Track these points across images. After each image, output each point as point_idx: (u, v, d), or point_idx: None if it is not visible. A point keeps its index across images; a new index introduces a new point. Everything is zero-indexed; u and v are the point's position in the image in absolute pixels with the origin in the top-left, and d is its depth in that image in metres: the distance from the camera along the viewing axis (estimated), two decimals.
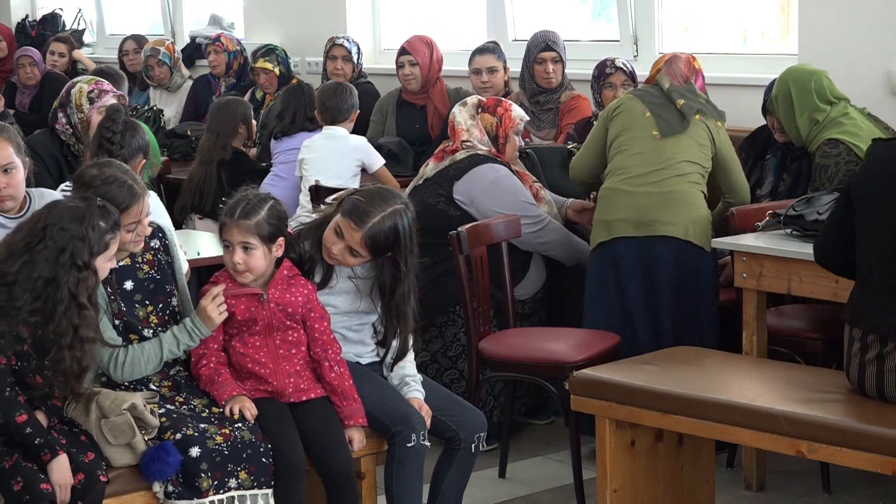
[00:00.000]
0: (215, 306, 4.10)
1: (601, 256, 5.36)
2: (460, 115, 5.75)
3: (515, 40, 7.92)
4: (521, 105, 6.83)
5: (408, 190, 5.74)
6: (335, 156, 6.68)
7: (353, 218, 4.22)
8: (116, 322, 4.09)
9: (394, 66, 7.59)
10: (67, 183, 5.04)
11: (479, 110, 5.74)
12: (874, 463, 4.01)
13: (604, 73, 6.42)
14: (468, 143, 5.68)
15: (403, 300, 4.33)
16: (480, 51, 7.23)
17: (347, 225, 4.22)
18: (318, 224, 4.36)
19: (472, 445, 4.36)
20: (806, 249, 4.84)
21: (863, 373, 4.21)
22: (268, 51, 8.31)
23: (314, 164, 6.62)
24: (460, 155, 5.67)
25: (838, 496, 5.12)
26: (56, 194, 4.66)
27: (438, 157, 5.76)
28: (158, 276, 4.21)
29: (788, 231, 5.04)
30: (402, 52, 7.48)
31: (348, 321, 4.40)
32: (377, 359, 4.46)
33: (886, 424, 4.01)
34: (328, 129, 6.77)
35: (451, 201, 5.61)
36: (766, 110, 5.83)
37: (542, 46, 6.84)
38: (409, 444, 4.21)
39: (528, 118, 5.90)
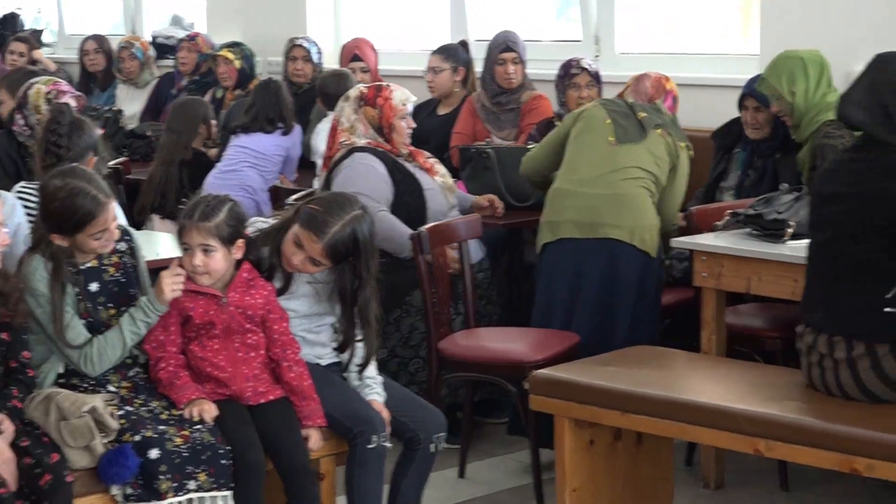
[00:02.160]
0: (171, 280, 4.08)
1: (547, 258, 5.37)
2: (343, 112, 5.73)
3: (478, 40, 7.93)
4: (483, 105, 6.85)
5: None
6: None
7: (311, 229, 4.20)
8: (82, 322, 4.09)
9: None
10: (23, 183, 5.02)
11: (361, 104, 5.71)
12: (831, 461, 4.03)
13: (569, 73, 6.44)
14: (347, 142, 5.66)
15: (366, 305, 4.33)
16: (434, 51, 7.24)
17: (307, 236, 4.21)
18: (277, 229, 4.34)
19: (432, 446, 4.36)
20: (765, 249, 4.88)
21: (811, 370, 4.25)
22: (234, 43, 8.35)
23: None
24: (339, 153, 5.66)
25: (796, 494, 5.15)
26: (9, 196, 4.64)
27: (326, 164, 5.76)
28: (123, 280, 4.20)
29: (748, 230, 5.06)
30: (355, 58, 7.48)
31: (308, 324, 4.40)
32: (337, 360, 4.46)
33: (844, 422, 4.03)
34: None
35: None
36: (742, 105, 5.85)
37: (503, 47, 6.85)
38: (369, 446, 4.21)
39: (414, 98, 5.83)
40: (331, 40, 8.74)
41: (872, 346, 4.12)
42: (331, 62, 8.33)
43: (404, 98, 5.73)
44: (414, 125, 5.80)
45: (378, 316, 4.38)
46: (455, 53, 7.22)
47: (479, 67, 7.18)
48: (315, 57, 7.97)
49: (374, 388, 4.38)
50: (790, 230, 4.87)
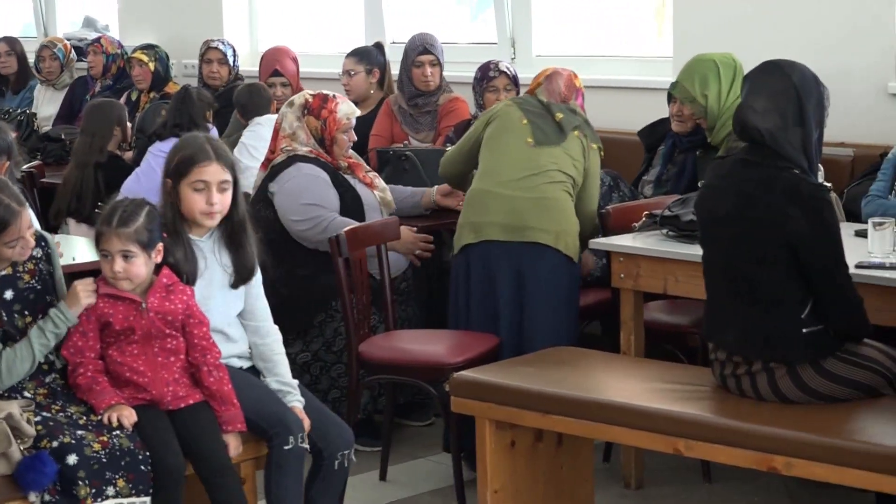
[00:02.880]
0: (85, 289, 4.05)
1: (468, 259, 5.33)
2: (286, 119, 5.70)
3: (395, 42, 7.94)
4: (400, 107, 6.85)
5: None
6: None
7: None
8: None
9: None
10: None
11: (305, 112, 5.70)
12: (750, 460, 4.07)
13: (487, 75, 6.45)
14: (288, 148, 5.66)
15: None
16: (348, 54, 7.23)
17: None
18: None
19: (336, 462, 4.32)
20: (682, 250, 4.92)
21: (726, 380, 4.30)
22: (148, 46, 8.28)
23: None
24: (279, 158, 5.64)
25: (717, 489, 5.19)
26: None
27: (263, 166, 5.75)
28: (39, 287, 4.15)
29: (664, 231, 5.10)
30: (275, 73, 7.45)
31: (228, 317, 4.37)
32: (252, 364, 4.44)
33: (761, 422, 4.08)
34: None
35: (270, 204, 5.59)
36: (670, 96, 5.89)
37: (421, 50, 6.85)
38: (286, 448, 4.19)
39: (358, 113, 5.82)
40: (247, 42, 8.71)
41: (793, 367, 4.16)
42: (247, 65, 8.30)
43: (349, 112, 5.72)
44: (355, 139, 5.81)
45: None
46: (369, 56, 7.21)
47: (395, 69, 7.18)
48: (231, 59, 7.93)
49: (293, 393, 4.36)
50: None
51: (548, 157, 5.36)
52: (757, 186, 4.15)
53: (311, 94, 5.74)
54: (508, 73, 6.42)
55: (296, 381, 4.40)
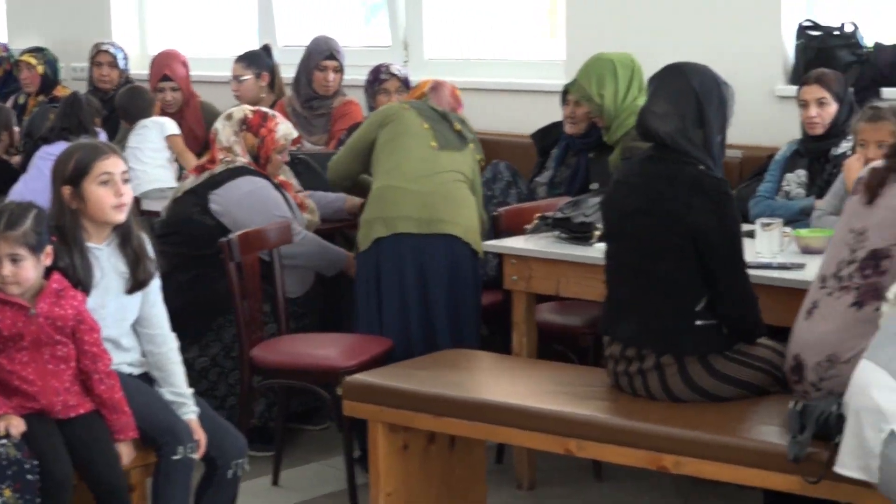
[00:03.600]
0: None
1: (377, 254, 5.32)
2: (223, 131, 5.68)
3: (287, 46, 7.90)
4: (294, 110, 6.82)
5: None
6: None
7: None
8: None
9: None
10: None
11: (243, 128, 5.68)
12: (641, 459, 4.10)
13: (378, 78, 6.44)
14: (227, 159, 5.63)
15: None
16: (236, 59, 7.19)
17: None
18: None
19: (229, 472, 4.29)
20: (573, 251, 4.95)
21: (619, 379, 4.33)
22: (36, 49, 8.19)
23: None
24: (219, 168, 5.62)
25: (609, 488, 5.23)
26: None
27: (198, 170, 5.71)
28: None
29: (556, 233, 5.13)
30: (165, 77, 7.38)
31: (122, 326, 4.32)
32: (144, 370, 4.39)
33: (651, 421, 4.11)
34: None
35: (206, 211, 5.55)
36: (564, 98, 5.92)
37: (327, 54, 6.83)
38: (174, 457, 4.15)
39: (295, 135, 5.83)
40: (136, 45, 8.63)
41: (682, 358, 4.20)
42: (137, 67, 8.22)
43: (287, 133, 5.72)
44: (288, 159, 5.83)
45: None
46: (257, 60, 7.17)
47: (285, 72, 7.15)
48: (121, 63, 7.85)
49: (188, 404, 4.31)
50: (597, 233, 4.94)
51: (450, 159, 5.38)
52: (662, 181, 4.20)
53: (251, 111, 5.75)
54: (399, 75, 6.43)
55: (190, 391, 4.35)
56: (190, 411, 4.29)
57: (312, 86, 6.85)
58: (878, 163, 4.07)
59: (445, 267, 5.29)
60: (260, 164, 5.67)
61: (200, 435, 4.24)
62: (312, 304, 5.77)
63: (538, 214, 5.27)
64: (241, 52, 7.24)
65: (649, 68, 5.69)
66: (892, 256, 3.86)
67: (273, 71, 7.20)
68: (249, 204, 5.52)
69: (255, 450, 5.28)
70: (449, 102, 5.57)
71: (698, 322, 4.19)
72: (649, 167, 4.28)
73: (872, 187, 3.99)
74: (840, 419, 3.73)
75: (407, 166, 5.37)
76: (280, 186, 5.71)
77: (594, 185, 5.33)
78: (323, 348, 5.19)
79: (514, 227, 5.37)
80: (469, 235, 5.32)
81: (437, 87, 5.61)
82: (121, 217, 4.22)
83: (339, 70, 6.86)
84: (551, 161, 6.02)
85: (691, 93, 4.23)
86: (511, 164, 6.00)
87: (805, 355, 3.96)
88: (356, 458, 5.14)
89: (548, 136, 6.12)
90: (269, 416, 5.59)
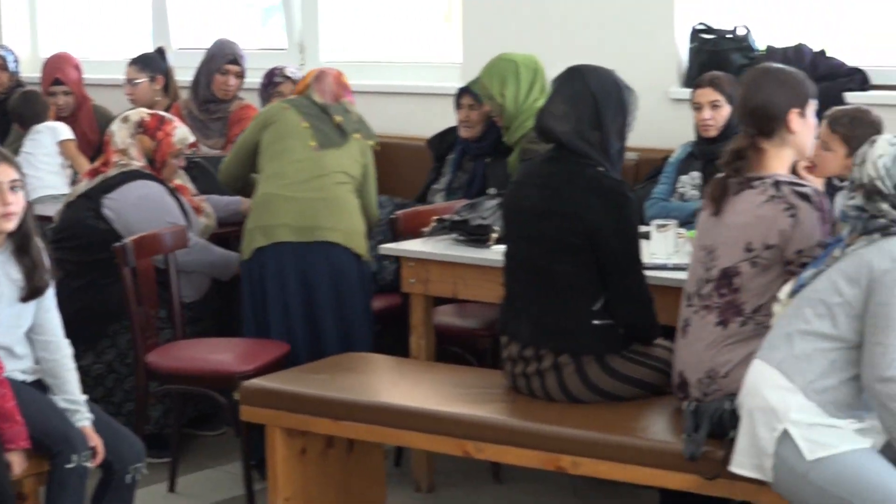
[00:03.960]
0: None
1: (260, 262, 5.30)
2: (118, 133, 5.62)
3: (182, 49, 7.84)
4: (190, 113, 6.76)
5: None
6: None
7: None
8: None
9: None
10: None
11: (140, 130, 5.63)
12: (538, 460, 4.12)
13: (273, 81, 6.41)
14: (122, 162, 5.58)
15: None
16: (130, 62, 7.11)
17: None
18: None
19: (128, 476, 4.25)
20: (471, 254, 4.96)
21: (517, 380, 4.35)
22: None
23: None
24: (113, 171, 5.56)
25: (507, 489, 5.24)
26: None
27: (91, 173, 5.65)
28: None
29: (453, 236, 5.13)
30: (57, 81, 7.27)
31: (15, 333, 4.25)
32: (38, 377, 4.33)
33: (548, 422, 4.13)
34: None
35: (100, 216, 5.49)
36: (458, 102, 5.93)
37: (230, 58, 6.78)
38: (68, 466, 4.10)
39: (192, 139, 5.79)
40: (28, 48, 8.50)
41: (579, 358, 4.22)
42: (29, 70, 8.10)
43: (184, 137, 5.67)
44: (184, 164, 5.78)
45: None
46: (151, 63, 7.10)
47: (180, 76, 7.09)
48: (11, 65, 7.72)
49: (82, 411, 4.25)
50: (494, 235, 4.96)
51: (331, 159, 5.37)
52: (561, 181, 4.23)
53: (148, 114, 5.70)
54: (294, 78, 6.40)
55: (84, 398, 4.30)
56: (84, 418, 4.24)
57: (212, 89, 6.79)
58: (719, 175, 4.12)
59: (328, 274, 5.27)
60: (156, 168, 5.61)
61: (96, 441, 4.19)
62: (208, 309, 5.72)
63: (435, 217, 5.28)
64: (135, 55, 7.16)
65: (545, 71, 5.76)
66: (742, 272, 3.93)
67: (167, 74, 7.12)
68: (141, 208, 5.47)
69: (152, 456, 5.21)
70: (332, 92, 5.53)
71: (595, 322, 4.22)
72: (549, 168, 4.30)
73: (716, 199, 4.05)
74: (734, 415, 3.78)
75: (287, 172, 5.35)
76: (176, 191, 5.66)
77: (492, 190, 5.34)
78: (219, 353, 5.15)
79: (411, 230, 5.37)
80: (351, 240, 5.30)
81: (319, 76, 5.58)
82: (8, 226, 4.14)
83: (241, 75, 6.82)
84: (448, 167, 6.03)
85: (589, 95, 4.25)
86: (392, 196, 6.01)
87: (687, 373, 4.02)
88: (254, 463, 5.10)
89: (444, 141, 6.13)
90: (165, 423, 5.53)
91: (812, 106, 4.07)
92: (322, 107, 5.46)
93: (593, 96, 4.25)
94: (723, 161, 4.10)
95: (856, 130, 4.55)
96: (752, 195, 3.95)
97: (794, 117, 4.01)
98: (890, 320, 3.50)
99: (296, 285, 5.27)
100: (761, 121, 4.02)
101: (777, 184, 3.94)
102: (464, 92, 5.93)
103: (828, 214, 3.93)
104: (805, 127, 4.04)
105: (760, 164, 4.02)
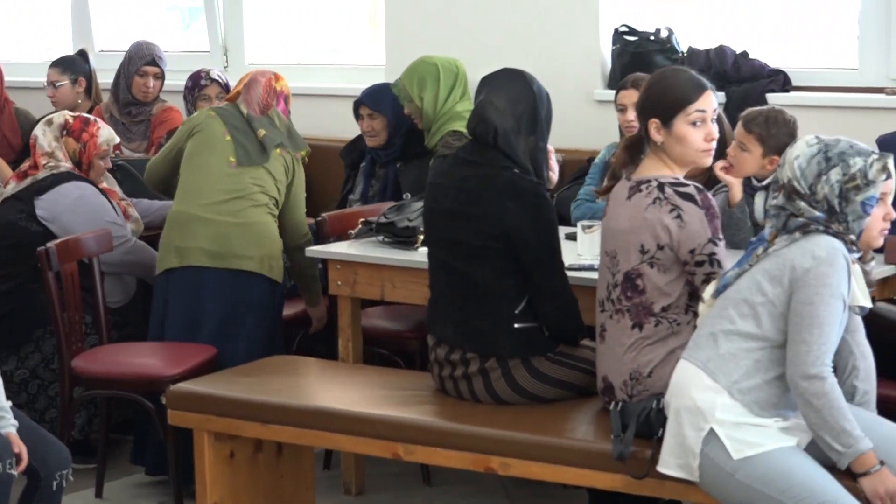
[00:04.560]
0: None
1: (169, 282, 5.27)
2: (43, 136, 5.58)
3: (103, 51, 7.77)
4: (112, 116, 6.72)
5: None
6: None
7: None
8: None
9: None
10: None
11: (64, 133, 5.59)
12: (467, 461, 4.13)
13: (198, 84, 6.36)
14: (51, 164, 5.53)
15: None
16: (51, 64, 7.04)
17: None
18: None
19: (54, 483, 4.19)
20: (398, 256, 4.96)
21: (445, 383, 4.36)
22: None
23: None
24: (43, 173, 5.51)
25: (437, 491, 5.25)
26: None
27: (19, 176, 5.60)
28: None
29: (380, 238, 5.13)
30: None
31: None
32: None
33: (477, 424, 4.14)
34: None
35: (32, 217, 5.44)
36: (357, 114, 5.90)
37: (148, 59, 6.73)
38: None
39: (117, 140, 5.76)
40: None
41: (505, 361, 4.24)
42: None
43: (109, 138, 5.64)
44: (110, 165, 5.73)
45: None
46: (73, 65, 7.04)
47: (102, 78, 7.03)
48: None
49: (6, 418, 4.20)
50: (421, 237, 4.96)
51: (250, 178, 5.33)
52: (478, 183, 4.23)
53: (72, 116, 5.67)
54: (220, 81, 6.36)
55: (8, 404, 4.25)
56: (8, 424, 4.19)
57: (131, 91, 6.75)
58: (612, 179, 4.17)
59: (239, 302, 5.24)
60: (83, 170, 5.58)
61: (21, 448, 4.14)
62: (135, 313, 5.69)
63: (362, 219, 5.27)
64: (57, 57, 7.10)
65: (469, 73, 5.77)
66: (643, 274, 3.96)
67: (90, 76, 7.06)
68: (79, 210, 5.44)
69: (77, 462, 5.17)
70: (261, 101, 5.49)
71: (517, 325, 4.23)
72: (464, 171, 4.29)
73: (608, 207, 4.09)
74: (660, 415, 3.82)
75: (204, 190, 5.31)
76: (104, 193, 5.63)
77: (407, 195, 5.34)
78: (146, 357, 5.12)
79: (338, 232, 5.36)
80: (266, 266, 5.28)
81: (249, 84, 5.53)
82: None
83: (161, 77, 6.77)
84: (360, 175, 6.01)
85: (531, 98, 4.27)
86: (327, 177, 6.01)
87: (611, 377, 4.04)
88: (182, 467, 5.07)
89: (354, 150, 6.11)
90: (91, 429, 5.49)
91: (690, 116, 3.98)
92: (248, 119, 5.43)
93: (534, 98, 4.26)
94: (609, 173, 4.14)
95: (770, 130, 4.62)
96: (640, 198, 3.98)
97: (651, 128, 4.03)
98: (813, 318, 3.55)
99: (206, 311, 5.23)
100: (640, 125, 4.07)
101: (661, 186, 3.97)
102: (360, 103, 5.90)
103: (713, 210, 3.96)
104: (669, 137, 4.00)
105: (645, 167, 4.06)
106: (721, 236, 3.94)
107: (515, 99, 4.26)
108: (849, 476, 3.59)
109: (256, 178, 5.34)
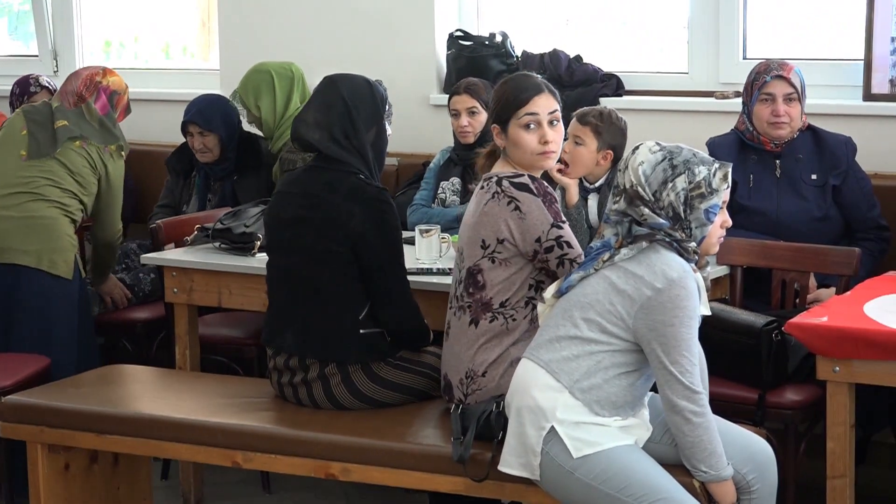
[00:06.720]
0: None
1: None
2: None
3: None
4: None
5: None
6: None
7: None
8: None
9: None
10: None
11: None
12: (307, 467, 4.11)
13: (27, 91, 6.28)
14: None
15: None
16: None
17: None
18: None
19: None
20: (235, 262, 4.92)
21: (284, 390, 4.34)
22: None
23: None
24: None
25: (278, 499, 5.22)
26: None
27: None
28: None
29: (217, 244, 5.09)
30: None
31: None
32: None
33: (317, 430, 4.12)
34: None
35: None
36: (186, 131, 5.84)
37: None
38: None
39: None
40: None
41: (345, 367, 4.23)
42: None
43: None
44: None
45: None
46: None
47: None
48: None
49: None
50: (258, 243, 4.93)
51: (40, 171, 5.26)
52: (322, 188, 4.22)
53: None
54: (50, 87, 6.27)
55: None
56: None
57: None
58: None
59: (23, 298, 5.17)
60: None
61: None
62: None
63: (198, 225, 5.22)
64: None
65: (307, 80, 5.75)
66: (483, 269, 4.00)
67: None
68: None
69: None
70: (75, 92, 5.42)
71: (362, 330, 4.23)
72: (311, 176, 4.29)
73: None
74: (500, 417, 3.83)
75: None
76: None
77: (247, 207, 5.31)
78: None
79: (173, 239, 5.30)
80: (44, 261, 5.20)
81: (71, 76, 5.49)
82: None
83: None
84: (194, 191, 5.91)
85: (341, 102, 4.26)
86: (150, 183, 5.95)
87: (450, 375, 4.06)
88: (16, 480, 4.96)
89: (181, 159, 5.99)
90: None
91: (521, 119, 4.02)
92: (53, 111, 5.35)
93: (345, 104, 4.26)
94: (479, 169, 4.18)
95: (605, 124, 4.68)
96: (482, 195, 4.03)
97: (495, 133, 4.10)
98: (679, 340, 3.59)
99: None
100: None
101: (499, 181, 4.01)
102: (188, 122, 5.82)
103: (551, 196, 4.01)
104: (508, 142, 4.06)
105: (494, 168, 4.11)
106: (564, 219, 3.98)
107: (325, 107, 4.26)
108: (684, 472, 3.66)
109: (47, 172, 5.27)
